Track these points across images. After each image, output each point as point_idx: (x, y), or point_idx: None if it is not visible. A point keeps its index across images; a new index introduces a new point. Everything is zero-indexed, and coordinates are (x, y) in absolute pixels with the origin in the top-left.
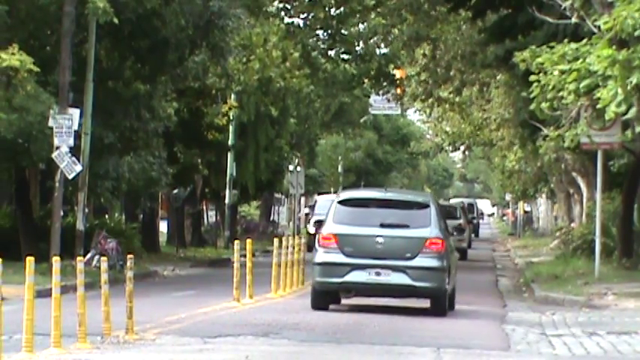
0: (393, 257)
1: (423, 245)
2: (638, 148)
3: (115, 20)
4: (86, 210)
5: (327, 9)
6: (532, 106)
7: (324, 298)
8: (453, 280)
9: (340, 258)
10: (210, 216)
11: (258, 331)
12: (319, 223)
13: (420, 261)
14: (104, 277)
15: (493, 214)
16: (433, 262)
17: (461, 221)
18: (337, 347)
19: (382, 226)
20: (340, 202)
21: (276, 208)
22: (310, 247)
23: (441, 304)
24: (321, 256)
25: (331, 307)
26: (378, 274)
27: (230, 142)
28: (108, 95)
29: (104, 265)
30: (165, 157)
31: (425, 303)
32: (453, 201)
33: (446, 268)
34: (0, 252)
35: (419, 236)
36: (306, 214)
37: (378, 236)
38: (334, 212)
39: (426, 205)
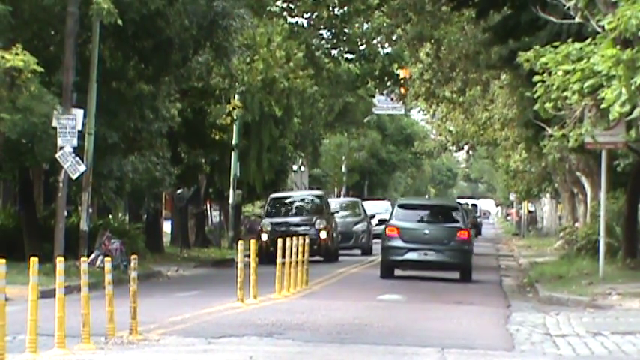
0: (435, 243)
1: (454, 235)
2: None
3: (119, 21)
4: (90, 210)
5: (330, 8)
6: (536, 106)
7: (389, 270)
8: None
9: (400, 243)
10: (214, 216)
11: (262, 331)
12: (382, 221)
13: (452, 245)
14: (108, 277)
15: (488, 213)
16: (461, 246)
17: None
18: (341, 347)
19: (428, 222)
20: (399, 206)
21: None
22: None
23: (467, 274)
24: (387, 242)
25: (336, 307)
26: (425, 254)
27: (234, 142)
28: (111, 95)
29: (108, 266)
30: (169, 157)
31: (455, 275)
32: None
33: (470, 250)
34: (4, 252)
35: (452, 228)
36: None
37: (425, 229)
38: (395, 213)
39: (456, 208)
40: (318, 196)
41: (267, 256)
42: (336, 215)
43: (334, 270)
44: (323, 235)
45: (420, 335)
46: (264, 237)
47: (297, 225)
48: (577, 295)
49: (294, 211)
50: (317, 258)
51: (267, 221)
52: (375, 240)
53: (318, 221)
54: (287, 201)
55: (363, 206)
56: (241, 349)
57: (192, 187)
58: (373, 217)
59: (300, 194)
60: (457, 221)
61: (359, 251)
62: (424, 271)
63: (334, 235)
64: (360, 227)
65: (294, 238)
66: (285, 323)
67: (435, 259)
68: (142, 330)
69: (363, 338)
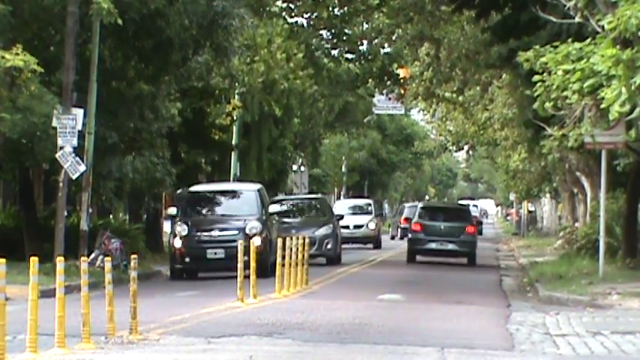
0: (449, 235)
1: (464, 230)
2: None
3: (119, 21)
4: (90, 210)
5: (330, 9)
6: (535, 106)
7: (413, 257)
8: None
9: (422, 236)
10: None
11: (262, 331)
12: (407, 219)
13: (462, 238)
14: (108, 277)
15: (486, 212)
16: (469, 238)
17: None
18: (341, 347)
19: (444, 220)
20: (421, 208)
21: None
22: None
23: (473, 260)
24: (412, 235)
25: (336, 307)
26: (441, 244)
27: (234, 142)
28: (111, 95)
29: (108, 265)
30: (169, 157)
31: (463, 260)
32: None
33: (475, 241)
34: (4, 252)
35: (462, 225)
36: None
37: (441, 225)
38: (419, 212)
39: (465, 210)
40: (254, 191)
41: (181, 270)
42: (288, 215)
43: (334, 270)
44: (256, 241)
45: (419, 335)
46: (178, 244)
47: (223, 228)
48: (577, 294)
49: (218, 210)
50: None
51: (181, 224)
52: (345, 246)
53: (250, 225)
54: (210, 197)
55: (329, 205)
56: (241, 348)
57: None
58: (341, 217)
59: (227, 187)
60: (465, 219)
61: (324, 260)
62: (439, 258)
63: (271, 240)
64: (323, 231)
65: (294, 238)
66: (285, 323)
67: (449, 248)
68: (142, 330)
69: (363, 338)
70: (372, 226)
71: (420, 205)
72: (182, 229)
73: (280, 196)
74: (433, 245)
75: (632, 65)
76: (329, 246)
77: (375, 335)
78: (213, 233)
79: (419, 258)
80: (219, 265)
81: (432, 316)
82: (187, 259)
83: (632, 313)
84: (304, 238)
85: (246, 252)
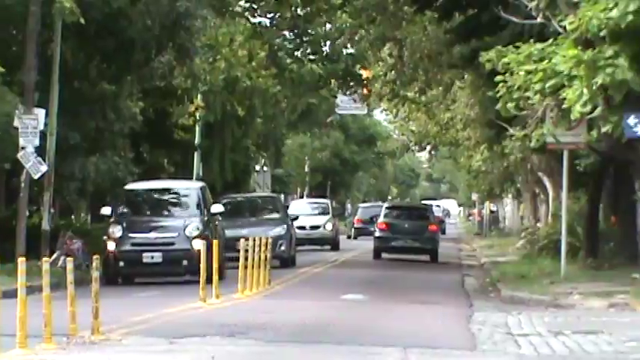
0: (413, 234)
1: (427, 228)
2: (603, 148)
3: (82, 20)
4: (52, 210)
5: (293, 8)
6: (498, 106)
7: (379, 254)
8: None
9: (388, 234)
10: None
11: (224, 331)
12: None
13: (425, 236)
14: (70, 277)
15: (448, 212)
16: (432, 236)
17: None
18: (303, 347)
19: (408, 218)
20: (387, 208)
21: None
22: None
23: (435, 257)
24: (378, 233)
25: (299, 307)
26: (406, 242)
27: (196, 142)
28: (73, 95)
29: (70, 266)
30: (132, 157)
31: (426, 258)
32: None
33: (438, 239)
34: None
35: (425, 224)
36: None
37: (405, 223)
38: (384, 212)
39: (428, 209)
40: (196, 189)
41: (115, 275)
42: (237, 215)
43: (296, 270)
44: (196, 244)
45: (382, 335)
46: (111, 246)
47: (160, 230)
48: (539, 294)
49: (157, 210)
50: (187, 279)
51: (115, 225)
52: (300, 248)
53: (191, 226)
54: (147, 195)
55: (283, 204)
56: (203, 349)
57: None
58: (296, 218)
59: (166, 185)
60: (428, 218)
61: (277, 262)
62: (403, 255)
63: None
64: (276, 231)
65: (252, 239)
66: (248, 323)
67: (413, 245)
68: (104, 330)
69: (326, 338)
70: (329, 227)
71: (386, 205)
72: (116, 230)
73: (232, 195)
74: (398, 243)
75: (594, 66)
76: (282, 247)
77: (338, 335)
78: (149, 235)
79: (384, 255)
80: (156, 270)
81: (394, 315)
82: (121, 264)
83: (594, 312)
84: (261, 239)
85: (186, 256)
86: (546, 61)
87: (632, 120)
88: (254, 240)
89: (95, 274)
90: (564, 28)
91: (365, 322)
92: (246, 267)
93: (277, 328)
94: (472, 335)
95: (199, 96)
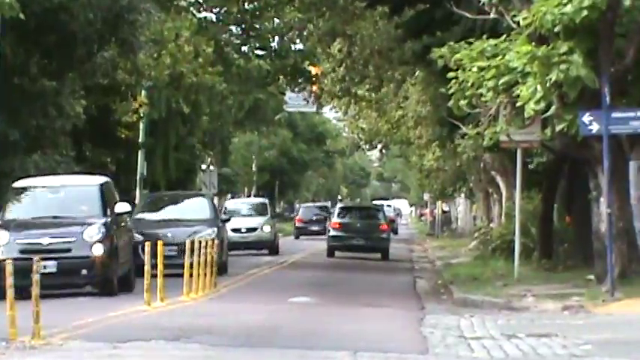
0: (365, 232)
1: (378, 227)
2: (557, 146)
3: (21, 15)
4: None
5: (240, 3)
6: (450, 104)
7: (332, 252)
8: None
9: (341, 233)
10: None
11: (169, 335)
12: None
13: (377, 234)
14: (9, 280)
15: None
16: (383, 235)
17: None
18: (250, 351)
19: (360, 218)
20: (340, 208)
21: None
22: None
23: (386, 256)
24: (332, 232)
25: (245, 310)
26: (358, 240)
27: (140, 140)
28: (13, 92)
29: (9, 268)
30: (73, 155)
31: (377, 256)
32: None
33: (389, 238)
34: None
35: (377, 223)
36: None
37: (357, 223)
38: (337, 212)
39: (380, 209)
40: (96, 185)
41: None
42: (164, 218)
43: (243, 272)
44: (97, 250)
45: (332, 338)
46: None
47: (54, 235)
48: (492, 297)
49: (51, 211)
50: (87, 290)
51: (0, 229)
52: (235, 252)
53: (90, 229)
54: (39, 194)
55: (213, 204)
56: (148, 353)
57: None
58: (228, 219)
59: (62, 181)
60: (379, 218)
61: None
62: (356, 253)
63: (117, 249)
64: (204, 235)
65: (198, 241)
66: (193, 327)
67: (365, 244)
68: (45, 334)
69: (274, 342)
70: (267, 229)
71: (339, 205)
72: (1, 236)
73: (155, 193)
74: (351, 242)
75: (548, 62)
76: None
77: (286, 339)
78: (41, 241)
79: (337, 254)
80: (49, 281)
81: (344, 318)
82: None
83: (548, 315)
84: (196, 243)
85: (85, 264)
86: (499, 57)
87: (586, 118)
88: (178, 245)
89: (36, 276)
90: (518, 23)
91: (313, 326)
92: (191, 274)
93: (223, 331)
94: (424, 338)
95: (143, 92)
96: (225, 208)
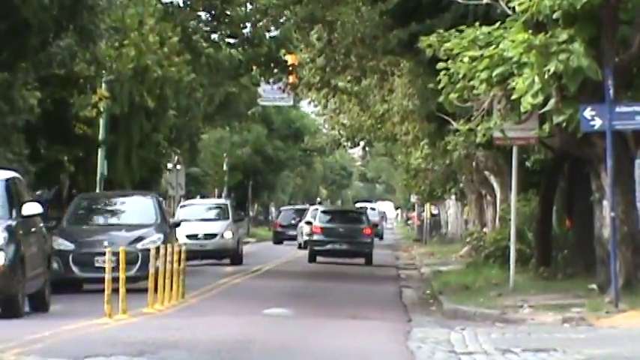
0: (347, 237)
1: (361, 232)
2: (556, 143)
3: None
4: None
5: None
6: (440, 98)
7: (314, 257)
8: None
9: (323, 238)
10: None
11: (132, 350)
12: (309, 223)
13: (360, 239)
14: None
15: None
16: (366, 240)
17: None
18: None
19: (342, 222)
20: (322, 212)
21: None
22: None
23: (369, 260)
24: (313, 237)
25: (216, 322)
26: (340, 245)
27: (100, 137)
28: None
29: None
30: (27, 153)
31: (361, 261)
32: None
33: (372, 243)
34: None
35: (360, 227)
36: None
37: (339, 227)
38: (319, 216)
39: (363, 213)
40: (1, 182)
41: None
42: (101, 223)
43: (214, 281)
44: None
45: (310, 354)
46: None
47: None
48: (485, 308)
49: None
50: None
51: None
52: (191, 263)
53: None
54: None
55: (162, 207)
56: None
57: (54, 187)
58: (178, 224)
59: None
60: (363, 222)
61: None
62: (338, 258)
63: (24, 259)
64: (150, 243)
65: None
66: (159, 341)
67: (347, 248)
68: None
69: (247, 358)
70: (228, 235)
71: (321, 209)
72: None
73: (90, 193)
74: (333, 246)
75: (546, 51)
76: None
77: (260, 355)
78: None
79: (318, 259)
80: None
81: (323, 332)
82: None
83: (546, 328)
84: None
85: None
86: (493, 46)
87: (588, 112)
88: (117, 254)
89: None
90: (513, 9)
91: (290, 340)
92: (156, 276)
93: (192, 346)
94: (411, 354)
95: (104, 85)
96: (179, 210)
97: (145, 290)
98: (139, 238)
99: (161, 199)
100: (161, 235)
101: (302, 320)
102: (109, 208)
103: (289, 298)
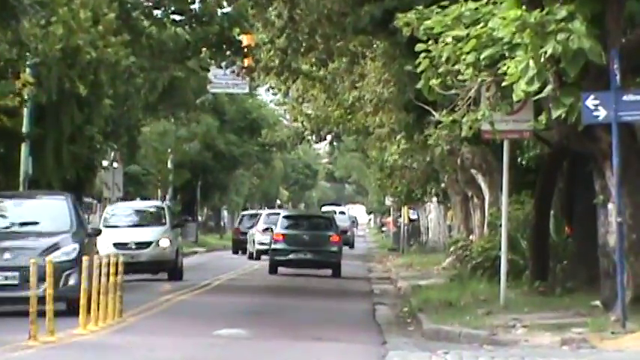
0: (313, 246)
1: (328, 239)
2: (554, 137)
3: None
4: None
5: None
6: (419, 84)
7: (275, 268)
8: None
9: (285, 246)
10: None
11: None
12: (268, 229)
13: (326, 248)
14: None
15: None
16: (333, 248)
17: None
18: None
19: (307, 229)
20: (284, 217)
21: (86, 216)
22: None
23: (337, 272)
24: (275, 245)
25: (159, 344)
26: (305, 254)
27: (24, 130)
28: None
29: None
30: None
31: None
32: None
33: (340, 252)
34: None
35: (326, 235)
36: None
37: (304, 235)
38: (281, 222)
39: (330, 218)
40: None
41: None
42: (2, 230)
43: (156, 297)
44: None
45: None
46: None
47: None
48: (472, 328)
49: None
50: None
51: None
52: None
53: None
54: None
55: (77, 210)
56: None
57: None
58: (98, 232)
59: None
60: (330, 228)
61: (62, 306)
62: (302, 269)
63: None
64: (61, 256)
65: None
66: None
67: (312, 258)
68: None
69: None
70: (164, 243)
71: (283, 213)
72: None
73: None
74: (297, 256)
75: (542, 31)
76: (71, 282)
77: None
78: None
79: (280, 269)
80: None
81: (284, 356)
82: None
83: (542, 351)
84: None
85: None
86: (481, 24)
87: (591, 101)
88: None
89: None
90: None
91: None
92: (89, 291)
93: None
94: None
95: (28, 70)
96: (105, 214)
97: (62, 312)
98: (49, 249)
99: (77, 201)
100: (76, 246)
101: (259, 342)
102: (11, 211)
103: (245, 316)
